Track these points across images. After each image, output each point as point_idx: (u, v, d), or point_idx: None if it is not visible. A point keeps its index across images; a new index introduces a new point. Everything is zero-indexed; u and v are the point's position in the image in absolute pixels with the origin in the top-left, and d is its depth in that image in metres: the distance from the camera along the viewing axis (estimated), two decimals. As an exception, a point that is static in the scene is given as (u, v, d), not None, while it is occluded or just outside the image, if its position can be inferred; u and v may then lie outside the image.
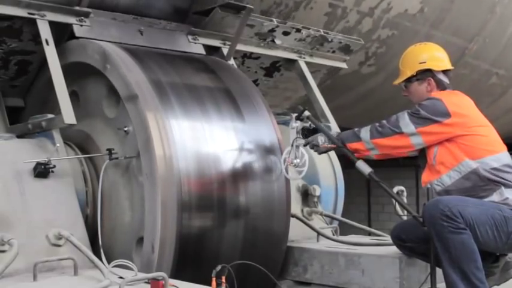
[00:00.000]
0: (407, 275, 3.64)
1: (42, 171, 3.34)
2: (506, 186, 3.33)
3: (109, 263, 3.09)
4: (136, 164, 3.49)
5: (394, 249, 3.72)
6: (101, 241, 3.35)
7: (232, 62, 4.49)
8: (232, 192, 3.62)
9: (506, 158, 3.42)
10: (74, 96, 3.83)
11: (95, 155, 3.73)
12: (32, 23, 3.69)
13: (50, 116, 3.59)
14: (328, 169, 5.05)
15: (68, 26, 3.85)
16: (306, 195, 4.67)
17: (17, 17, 3.66)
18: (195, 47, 4.36)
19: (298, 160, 3.78)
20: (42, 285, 2.89)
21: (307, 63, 5.13)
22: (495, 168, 3.34)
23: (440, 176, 3.42)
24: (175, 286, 2.82)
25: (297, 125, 3.85)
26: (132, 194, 3.56)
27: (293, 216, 4.14)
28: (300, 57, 5.09)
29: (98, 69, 3.63)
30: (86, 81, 3.87)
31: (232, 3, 4.26)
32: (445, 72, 3.65)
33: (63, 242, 3.24)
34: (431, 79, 3.61)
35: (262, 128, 3.93)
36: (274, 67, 5.13)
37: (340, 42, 5.26)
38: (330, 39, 5.16)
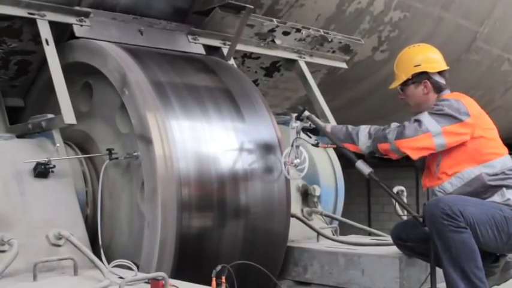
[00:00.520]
0: (407, 275, 3.64)
1: (42, 171, 3.34)
2: (508, 187, 3.33)
3: (109, 262, 3.09)
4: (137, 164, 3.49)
5: (394, 249, 3.72)
6: (101, 241, 3.35)
7: (232, 62, 4.49)
8: (232, 192, 3.62)
9: (509, 161, 3.42)
10: (87, 88, 3.81)
11: (95, 155, 3.73)
12: (32, 23, 3.69)
13: (50, 116, 3.59)
14: (328, 169, 5.06)
15: (68, 26, 3.85)
16: (306, 195, 4.67)
17: (17, 17, 3.66)
18: (195, 47, 4.36)
19: (298, 160, 3.78)
20: (42, 285, 2.89)
21: (307, 63, 5.13)
22: (499, 172, 3.33)
23: (442, 183, 3.42)
24: (175, 286, 2.82)
25: (297, 125, 3.85)
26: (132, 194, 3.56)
27: (293, 216, 4.14)
28: (300, 57, 5.09)
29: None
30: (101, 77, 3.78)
31: (232, 3, 4.26)
32: (441, 73, 3.62)
33: (63, 242, 3.24)
34: (428, 81, 3.57)
35: (262, 128, 3.93)
36: (274, 67, 5.13)
37: (340, 42, 5.26)
38: (330, 39, 5.16)
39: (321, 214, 4.65)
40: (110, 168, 3.60)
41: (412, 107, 3.67)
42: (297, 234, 4.29)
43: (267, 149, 3.85)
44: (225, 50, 4.49)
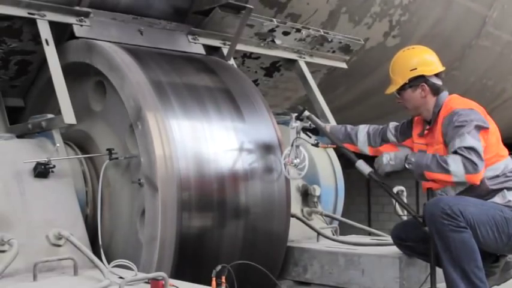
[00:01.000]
0: (407, 275, 3.64)
1: (42, 171, 3.34)
2: (509, 189, 3.32)
3: (109, 262, 3.09)
4: (137, 163, 3.49)
5: (394, 249, 3.72)
6: (101, 241, 3.35)
7: (232, 62, 4.49)
8: (232, 192, 3.62)
9: (510, 162, 3.41)
10: (100, 85, 3.77)
11: (95, 155, 3.73)
12: (32, 23, 3.69)
13: (50, 116, 3.60)
14: (328, 169, 5.05)
15: (68, 26, 3.85)
16: (306, 195, 4.67)
17: (17, 17, 3.66)
18: (195, 47, 4.36)
19: (298, 160, 3.78)
20: (42, 285, 2.89)
21: (307, 63, 5.13)
22: (500, 175, 3.32)
23: (445, 186, 3.41)
24: (175, 286, 2.83)
25: (297, 125, 3.85)
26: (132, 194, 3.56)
27: (293, 216, 4.14)
28: (300, 57, 5.09)
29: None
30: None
31: (232, 3, 4.26)
32: (437, 74, 3.57)
33: (63, 242, 3.23)
34: (425, 84, 3.51)
35: (262, 128, 3.93)
36: (274, 67, 5.13)
37: (340, 42, 5.26)
38: (330, 39, 5.16)
39: (321, 214, 4.65)
40: (109, 168, 3.59)
41: (409, 110, 3.64)
42: (297, 234, 4.29)
43: (267, 149, 3.85)
44: (225, 50, 4.49)
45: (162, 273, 2.77)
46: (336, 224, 4.77)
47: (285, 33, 4.86)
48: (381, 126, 3.86)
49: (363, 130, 3.86)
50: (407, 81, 3.54)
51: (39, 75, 4.13)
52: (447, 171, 3.20)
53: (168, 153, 3.36)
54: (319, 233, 4.33)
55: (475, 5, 7.33)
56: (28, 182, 3.31)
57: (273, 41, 4.85)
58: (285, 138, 3.97)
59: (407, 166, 3.35)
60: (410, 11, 6.68)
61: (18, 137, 3.70)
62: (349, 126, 3.92)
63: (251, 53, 4.85)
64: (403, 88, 3.56)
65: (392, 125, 3.83)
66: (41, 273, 2.97)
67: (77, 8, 3.83)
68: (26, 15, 3.64)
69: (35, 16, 3.67)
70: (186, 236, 3.39)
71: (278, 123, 4.12)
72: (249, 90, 4.08)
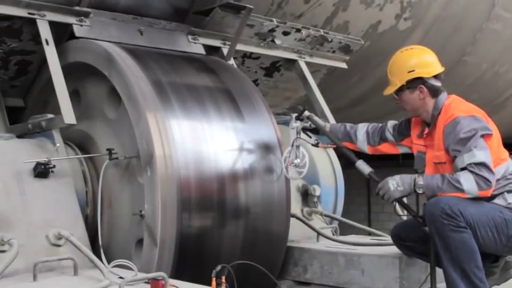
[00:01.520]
0: (407, 275, 3.64)
1: (42, 171, 3.33)
2: (510, 192, 3.32)
3: (109, 262, 3.09)
4: (137, 164, 3.49)
5: (394, 249, 3.72)
6: (101, 241, 3.35)
7: (232, 62, 4.49)
8: (232, 192, 3.62)
9: (511, 164, 3.41)
10: (113, 93, 3.70)
11: (95, 155, 3.73)
12: (32, 23, 3.69)
13: (50, 116, 3.59)
14: (328, 169, 5.05)
15: (68, 26, 3.85)
16: (306, 195, 4.67)
17: (17, 17, 3.66)
18: (195, 47, 4.36)
19: (298, 160, 3.78)
20: (42, 285, 2.89)
21: (307, 63, 5.13)
22: (500, 178, 3.30)
23: None
24: (175, 286, 2.83)
25: (297, 125, 3.85)
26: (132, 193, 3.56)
27: (293, 216, 4.14)
28: (300, 57, 5.09)
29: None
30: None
31: (232, 3, 4.26)
32: (436, 76, 3.51)
33: (63, 242, 3.23)
34: (423, 86, 3.47)
35: (262, 128, 3.93)
36: (274, 67, 5.13)
37: (340, 42, 5.26)
38: (330, 39, 5.16)
39: (321, 214, 4.65)
40: (109, 168, 3.59)
41: (408, 112, 3.62)
42: (297, 234, 4.29)
43: (267, 149, 3.85)
44: (225, 50, 4.49)
45: (162, 273, 2.77)
46: (336, 224, 4.76)
47: (285, 33, 4.86)
48: (380, 125, 3.85)
49: (362, 129, 3.86)
50: (404, 83, 3.50)
51: (39, 75, 4.13)
52: (461, 191, 3.19)
53: (168, 153, 3.36)
54: (319, 233, 4.33)
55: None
56: (28, 182, 3.31)
57: (273, 41, 4.85)
58: (285, 138, 3.97)
59: (417, 191, 3.31)
60: (420, -10, 6.59)
61: (18, 137, 3.70)
62: (348, 125, 3.92)
63: (251, 53, 4.85)
64: (401, 90, 3.53)
65: (390, 124, 3.82)
66: (41, 273, 2.97)
67: (77, 8, 3.83)
68: (26, 15, 3.64)
69: (35, 16, 3.67)
70: (186, 236, 3.39)
71: (278, 123, 4.12)
72: (249, 90, 4.08)
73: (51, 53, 3.62)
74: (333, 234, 4.48)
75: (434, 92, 3.50)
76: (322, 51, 5.24)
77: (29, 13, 3.65)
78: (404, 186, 3.33)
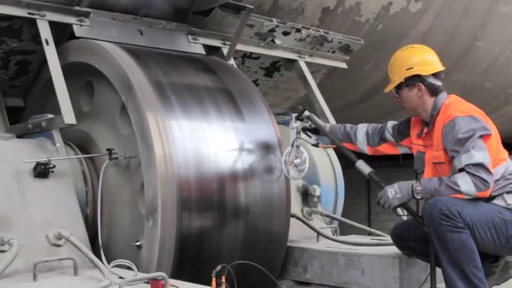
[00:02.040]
0: (407, 275, 3.64)
1: (42, 171, 3.34)
2: (509, 192, 3.31)
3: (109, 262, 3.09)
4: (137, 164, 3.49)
5: (394, 249, 3.72)
6: (101, 241, 3.35)
7: (232, 62, 4.49)
8: (232, 192, 3.62)
9: (511, 165, 3.40)
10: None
11: (95, 155, 3.73)
12: (32, 23, 3.69)
13: (50, 116, 3.60)
14: (328, 169, 5.05)
15: (68, 26, 3.85)
16: (306, 195, 4.67)
17: (17, 17, 3.66)
18: (195, 47, 4.36)
19: (298, 160, 3.78)
20: (42, 285, 2.89)
21: (307, 63, 5.13)
22: (500, 178, 3.30)
23: None
24: (175, 286, 2.83)
25: (297, 125, 3.85)
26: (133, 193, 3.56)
27: (293, 216, 4.14)
28: (300, 57, 5.09)
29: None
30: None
31: (232, 3, 4.26)
32: (436, 75, 3.52)
33: (63, 242, 3.24)
34: (421, 84, 3.47)
35: (262, 128, 3.93)
36: (274, 67, 5.13)
37: (340, 42, 5.25)
38: (329, 39, 5.16)
39: (321, 214, 4.65)
40: (109, 168, 3.59)
41: (407, 111, 3.62)
42: (297, 234, 4.29)
43: (267, 149, 3.85)
44: (225, 50, 4.49)
45: (162, 273, 2.77)
46: (336, 224, 4.77)
47: (285, 33, 4.86)
48: (380, 125, 3.86)
49: (361, 129, 3.87)
50: (403, 80, 3.51)
51: (39, 75, 4.13)
52: (459, 192, 3.19)
53: (168, 153, 3.36)
54: (319, 233, 4.33)
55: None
56: (28, 182, 3.32)
57: (273, 41, 4.85)
58: (285, 138, 3.97)
59: (416, 196, 3.32)
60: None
61: (18, 137, 3.70)
62: (348, 125, 3.92)
63: (251, 53, 4.85)
64: (400, 87, 3.54)
65: (390, 124, 3.82)
66: (41, 273, 2.97)
67: (77, 8, 3.83)
68: (26, 15, 3.64)
69: (35, 16, 3.67)
70: (186, 236, 3.39)
71: (278, 123, 4.12)
72: (249, 90, 4.08)
73: (51, 53, 3.62)
74: (333, 234, 4.49)
75: (434, 91, 3.50)
76: (322, 51, 5.24)
77: (29, 13, 3.65)
78: (402, 193, 3.34)
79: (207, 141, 3.59)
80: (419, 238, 3.41)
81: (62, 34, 3.87)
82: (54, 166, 3.36)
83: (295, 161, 3.78)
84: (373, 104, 7.38)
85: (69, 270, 3.11)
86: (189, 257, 3.44)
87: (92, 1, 3.87)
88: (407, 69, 3.51)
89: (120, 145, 3.59)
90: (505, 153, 3.44)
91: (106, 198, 3.58)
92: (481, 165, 3.18)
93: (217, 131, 3.70)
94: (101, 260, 3.16)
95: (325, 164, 5.05)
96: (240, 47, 4.62)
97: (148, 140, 3.35)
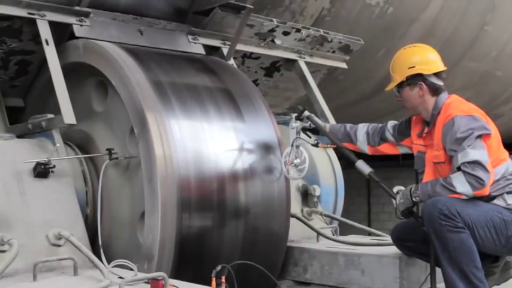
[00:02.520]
0: (407, 275, 3.64)
1: (42, 171, 3.34)
2: (509, 193, 3.31)
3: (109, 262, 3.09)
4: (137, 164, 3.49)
5: (394, 249, 3.72)
6: (101, 241, 3.35)
7: (232, 62, 4.49)
8: (232, 192, 3.62)
9: (511, 165, 3.40)
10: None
11: (95, 155, 3.73)
12: (32, 23, 3.69)
13: (50, 116, 3.60)
14: (328, 169, 5.05)
15: (68, 26, 3.85)
16: (306, 195, 4.67)
17: (17, 17, 3.66)
18: (195, 47, 4.36)
19: (298, 160, 3.78)
20: (42, 285, 2.89)
21: (307, 63, 5.13)
22: (500, 178, 3.29)
23: None
24: (175, 286, 2.82)
25: (297, 125, 3.85)
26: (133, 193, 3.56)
27: (293, 216, 4.14)
28: (300, 57, 5.09)
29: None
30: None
31: (232, 3, 4.26)
32: (437, 74, 3.52)
33: (63, 242, 3.24)
34: (423, 83, 3.47)
35: (262, 128, 3.93)
36: (274, 67, 5.13)
37: (340, 42, 5.26)
38: (329, 39, 5.16)
39: (321, 214, 4.65)
40: (109, 168, 3.59)
41: (408, 110, 3.62)
42: (297, 234, 4.29)
43: (267, 149, 3.85)
44: (225, 50, 4.49)
45: (162, 273, 2.77)
46: (335, 224, 4.77)
47: (285, 33, 4.86)
48: (380, 125, 3.86)
49: (362, 129, 3.87)
50: (404, 79, 3.51)
51: (39, 75, 4.13)
52: (455, 193, 3.20)
53: (168, 153, 3.36)
54: (319, 233, 4.33)
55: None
56: (28, 182, 3.32)
57: (273, 41, 4.85)
58: (285, 138, 3.97)
59: (415, 200, 3.34)
60: None
61: (18, 137, 3.70)
62: (348, 125, 3.92)
63: (251, 53, 4.85)
64: (401, 86, 3.54)
65: (390, 124, 3.82)
66: (41, 273, 2.97)
67: (77, 8, 3.83)
68: (26, 15, 3.64)
69: (35, 16, 3.67)
70: (186, 236, 3.39)
71: (278, 123, 4.12)
72: (249, 90, 4.08)
73: (51, 53, 3.62)
74: (333, 234, 4.49)
75: (435, 91, 3.50)
76: (322, 51, 5.24)
77: (29, 13, 3.65)
78: (404, 199, 3.38)
79: (207, 141, 3.59)
80: (420, 238, 3.41)
81: (62, 34, 3.87)
82: (54, 166, 3.36)
83: (295, 161, 3.78)
84: (388, 96, 7.31)
85: (69, 270, 3.11)
86: (189, 257, 3.44)
87: (92, 1, 3.87)
88: (409, 68, 3.51)
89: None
90: (506, 153, 3.44)
91: (106, 198, 3.58)
92: (477, 163, 3.17)
93: (217, 131, 3.71)
94: (100, 260, 3.16)
95: (325, 164, 5.05)
96: (240, 47, 4.62)
97: (148, 140, 3.34)
